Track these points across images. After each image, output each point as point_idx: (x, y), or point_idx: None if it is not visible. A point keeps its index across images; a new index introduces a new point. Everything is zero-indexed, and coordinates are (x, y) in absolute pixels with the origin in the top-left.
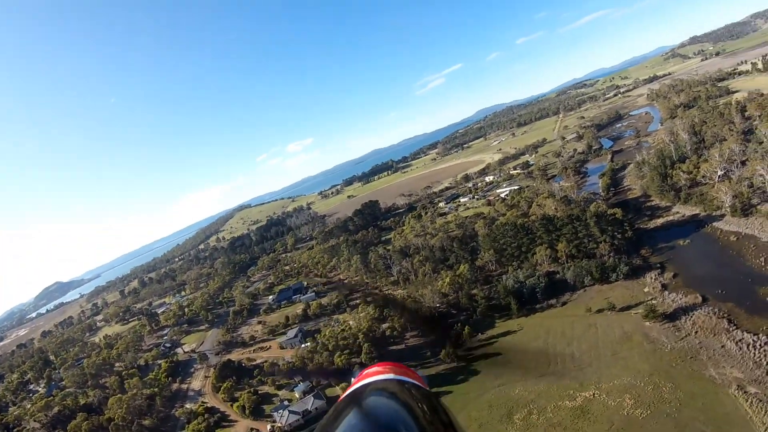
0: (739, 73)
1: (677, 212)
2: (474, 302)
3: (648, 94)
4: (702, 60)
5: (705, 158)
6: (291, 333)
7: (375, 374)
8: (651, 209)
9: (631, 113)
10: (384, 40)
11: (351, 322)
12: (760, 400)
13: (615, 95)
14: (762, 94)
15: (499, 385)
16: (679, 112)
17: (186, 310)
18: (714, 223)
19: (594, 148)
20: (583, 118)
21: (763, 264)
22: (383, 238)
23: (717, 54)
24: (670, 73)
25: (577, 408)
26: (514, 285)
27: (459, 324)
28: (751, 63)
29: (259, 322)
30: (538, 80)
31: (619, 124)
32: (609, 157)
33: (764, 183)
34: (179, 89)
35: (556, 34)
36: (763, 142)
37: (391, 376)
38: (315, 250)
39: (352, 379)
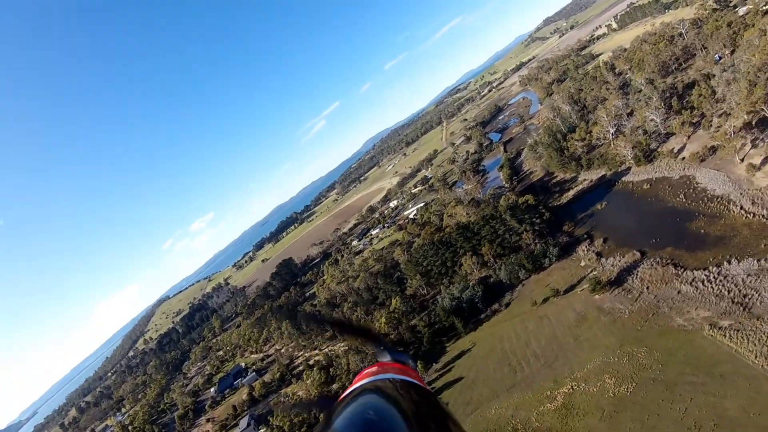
0: (598, 38)
1: (584, 179)
2: (417, 333)
3: (520, 81)
4: (560, 37)
5: (593, 122)
6: (243, 423)
7: (374, 374)
8: (558, 185)
9: (509, 103)
10: (259, 95)
11: (300, 393)
12: (737, 330)
13: (490, 91)
14: (625, 49)
15: (472, 411)
16: (554, 88)
17: (130, 428)
18: (623, 178)
19: (485, 144)
20: (466, 120)
21: (684, 200)
22: (307, 294)
23: (572, 28)
24: (534, 57)
25: (560, 407)
26: (451, 303)
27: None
28: (606, 26)
29: (208, 420)
30: (414, 97)
31: (502, 116)
32: (502, 148)
33: (657, 126)
34: (61, 194)
35: (419, 50)
36: (641, 90)
37: (390, 375)
38: (243, 326)
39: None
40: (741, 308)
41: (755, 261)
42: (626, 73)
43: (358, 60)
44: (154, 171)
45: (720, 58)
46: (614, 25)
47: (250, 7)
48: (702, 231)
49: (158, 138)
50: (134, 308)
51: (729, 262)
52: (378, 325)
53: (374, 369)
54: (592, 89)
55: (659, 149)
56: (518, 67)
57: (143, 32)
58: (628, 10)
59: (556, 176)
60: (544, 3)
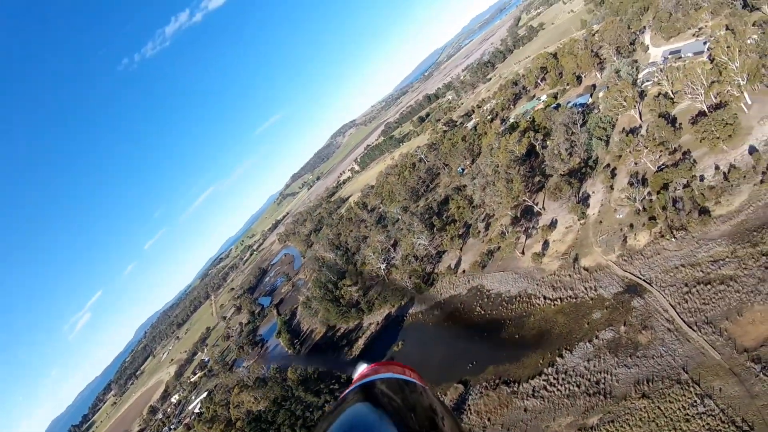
0: (344, 182)
1: (370, 324)
2: None
3: (278, 239)
4: (309, 189)
5: (362, 262)
6: None
7: (374, 373)
8: (345, 337)
9: (272, 263)
10: (7, 290)
11: None
12: (611, 420)
13: (251, 254)
14: (372, 186)
15: None
16: (312, 238)
17: None
18: (410, 311)
19: (257, 311)
20: (233, 289)
21: (483, 312)
22: None
23: (318, 178)
24: (288, 213)
25: None
26: None
27: None
28: (349, 170)
29: None
30: (180, 273)
31: (268, 278)
32: (275, 312)
33: (427, 248)
34: None
35: (177, 224)
36: (398, 219)
37: (390, 375)
38: None
39: (353, 377)
40: (601, 397)
41: (587, 343)
42: (379, 207)
43: (116, 242)
44: None
45: (463, 170)
46: (357, 168)
47: None
48: (517, 336)
49: None
50: None
51: (561, 356)
52: None
53: (376, 368)
54: (351, 230)
55: (436, 270)
56: (275, 226)
57: None
58: (366, 151)
59: (340, 328)
60: (288, 161)
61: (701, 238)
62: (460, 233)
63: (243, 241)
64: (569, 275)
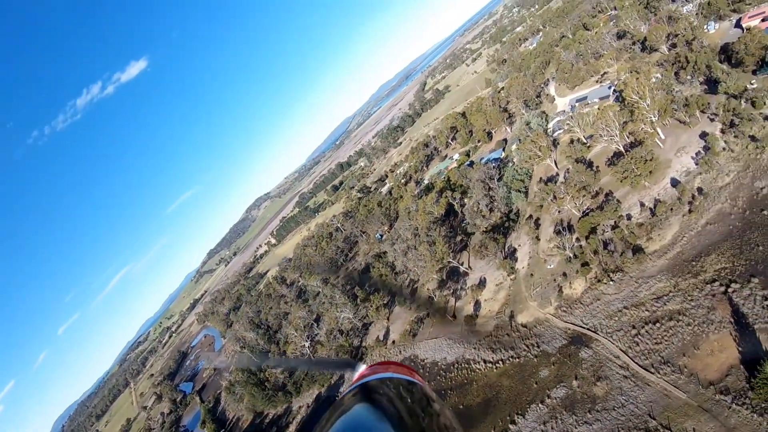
0: (261, 256)
1: (300, 407)
2: None
3: (197, 319)
4: (226, 265)
5: (285, 341)
6: None
7: (373, 373)
8: (274, 423)
9: (192, 345)
10: None
11: None
12: None
13: (170, 337)
14: (290, 259)
15: None
16: (232, 317)
17: None
18: (341, 389)
19: (178, 399)
20: (153, 375)
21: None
22: None
23: (235, 254)
24: (206, 291)
25: None
26: None
27: None
28: (266, 243)
29: None
30: (96, 359)
31: (188, 361)
32: (197, 399)
33: (352, 321)
34: None
35: (92, 307)
36: (319, 293)
37: (389, 374)
38: None
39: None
40: None
41: (539, 404)
42: (299, 281)
43: (24, 329)
44: None
45: (382, 236)
46: (273, 241)
47: None
48: (461, 406)
49: None
50: None
51: (514, 423)
52: None
53: (376, 368)
54: (271, 308)
55: (365, 343)
56: (193, 305)
57: None
58: (282, 223)
59: (268, 414)
60: (203, 238)
61: (639, 276)
62: (386, 302)
63: (161, 322)
64: (507, 334)
